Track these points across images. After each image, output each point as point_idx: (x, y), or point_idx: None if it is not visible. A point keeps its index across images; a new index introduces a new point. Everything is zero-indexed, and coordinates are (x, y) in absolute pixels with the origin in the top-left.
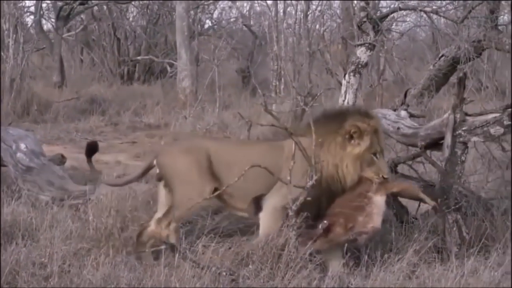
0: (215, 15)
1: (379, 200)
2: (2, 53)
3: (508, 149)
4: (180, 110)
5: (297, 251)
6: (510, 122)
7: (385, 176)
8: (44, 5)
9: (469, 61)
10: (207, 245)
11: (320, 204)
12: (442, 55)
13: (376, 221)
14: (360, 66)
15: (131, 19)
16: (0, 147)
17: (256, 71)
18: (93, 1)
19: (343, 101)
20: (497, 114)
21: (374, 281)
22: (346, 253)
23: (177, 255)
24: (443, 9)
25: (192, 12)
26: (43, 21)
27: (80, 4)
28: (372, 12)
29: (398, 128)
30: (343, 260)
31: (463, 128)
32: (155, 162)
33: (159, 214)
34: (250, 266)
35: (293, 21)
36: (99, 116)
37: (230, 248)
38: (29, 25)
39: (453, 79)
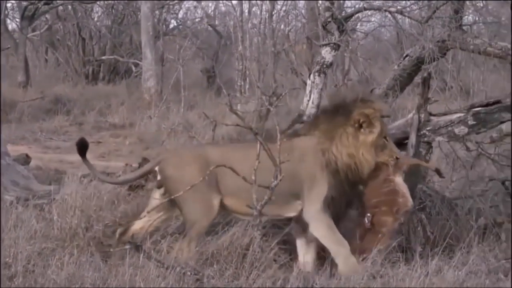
0: (180, 15)
1: (400, 181)
2: None
3: (472, 149)
4: (145, 110)
5: (261, 250)
6: (474, 122)
7: (398, 157)
8: (8, 4)
9: (434, 61)
10: (172, 245)
11: (345, 194)
12: (407, 55)
13: (410, 198)
14: (325, 66)
15: (96, 19)
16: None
17: (221, 71)
18: (58, 1)
19: (308, 101)
20: (462, 114)
21: (338, 281)
22: None
23: (141, 255)
24: (408, 9)
25: (157, 12)
26: (8, 21)
27: (45, 4)
28: (337, 12)
29: None
30: (352, 257)
31: (428, 128)
32: (157, 168)
33: (145, 218)
34: (215, 266)
35: (258, 21)
36: (64, 116)
37: (195, 247)
38: None
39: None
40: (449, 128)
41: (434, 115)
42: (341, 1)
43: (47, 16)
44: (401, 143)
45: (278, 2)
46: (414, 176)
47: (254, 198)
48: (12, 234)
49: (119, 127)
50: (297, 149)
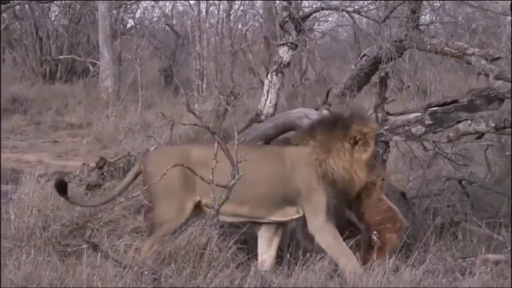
0: (137, 15)
1: (387, 199)
2: None
3: (429, 148)
4: (102, 109)
5: (219, 250)
6: (431, 122)
7: (384, 178)
8: None
9: (391, 60)
10: (129, 244)
11: (343, 203)
12: (364, 55)
13: (402, 216)
14: (282, 65)
15: (53, 18)
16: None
17: (178, 70)
18: (15, 1)
19: (266, 100)
20: (419, 114)
21: (296, 280)
22: None
23: (99, 254)
24: (365, 9)
25: (114, 11)
26: None
27: (2, 3)
28: (294, 11)
29: None
30: (360, 269)
31: (385, 127)
32: (142, 167)
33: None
34: (172, 265)
35: (215, 21)
36: (21, 116)
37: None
38: None
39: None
40: (406, 128)
41: (391, 115)
42: (299, 1)
43: (4, 15)
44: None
45: (236, 1)
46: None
47: (212, 198)
48: None
49: (76, 126)
50: (289, 158)
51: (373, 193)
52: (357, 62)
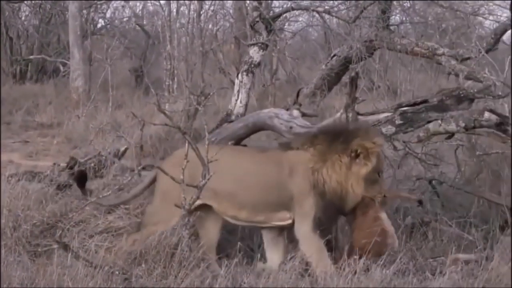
0: (108, 15)
1: (385, 217)
2: None
3: (399, 148)
4: (73, 109)
5: (190, 250)
6: (401, 121)
7: (386, 195)
8: None
9: (361, 60)
10: (100, 244)
11: (331, 217)
12: (334, 55)
13: (396, 238)
14: (253, 65)
15: (23, 18)
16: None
17: (149, 70)
18: None
19: (236, 100)
20: (389, 114)
21: (266, 280)
22: (239, 251)
23: (69, 254)
24: (335, 9)
25: (84, 11)
26: None
27: None
28: (264, 12)
29: (291, 127)
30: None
31: None
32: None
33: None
34: (143, 265)
35: (186, 21)
36: None
37: (123, 247)
38: None
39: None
40: (377, 128)
41: (361, 115)
42: (269, 1)
43: None
44: None
45: (206, 2)
46: None
47: (182, 197)
48: None
49: (47, 126)
50: (287, 162)
51: (370, 211)
52: (328, 62)
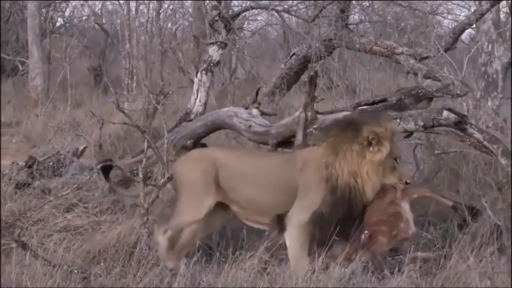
0: (67, 13)
1: (407, 207)
2: None
3: None
4: (31, 108)
5: (149, 248)
6: None
7: (408, 181)
8: None
9: (320, 59)
10: (59, 243)
11: (337, 214)
12: (294, 54)
13: (412, 227)
14: (212, 64)
15: None
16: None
17: (108, 69)
18: None
19: (195, 99)
20: (348, 112)
21: (225, 278)
22: (198, 250)
23: (28, 253)
24: (294, 8)
25: (43, 10)
26: None
27: None
28: (224, 11)
29: (250, 126)
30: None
31: (314, 126)
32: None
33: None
34: (102, 264)
35: (145, 20)
36: None
37: (81, 246)
38: None
39: (305, 77)
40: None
41: (320, 113)
42: (228, 0)
43: None
44: (288, 141)
45: (165, 1)
46: None
47: (142, 196)
48: None
49: (5, 125)
50: (301, 160)
51: (388, 195)
52: (287, 61)
